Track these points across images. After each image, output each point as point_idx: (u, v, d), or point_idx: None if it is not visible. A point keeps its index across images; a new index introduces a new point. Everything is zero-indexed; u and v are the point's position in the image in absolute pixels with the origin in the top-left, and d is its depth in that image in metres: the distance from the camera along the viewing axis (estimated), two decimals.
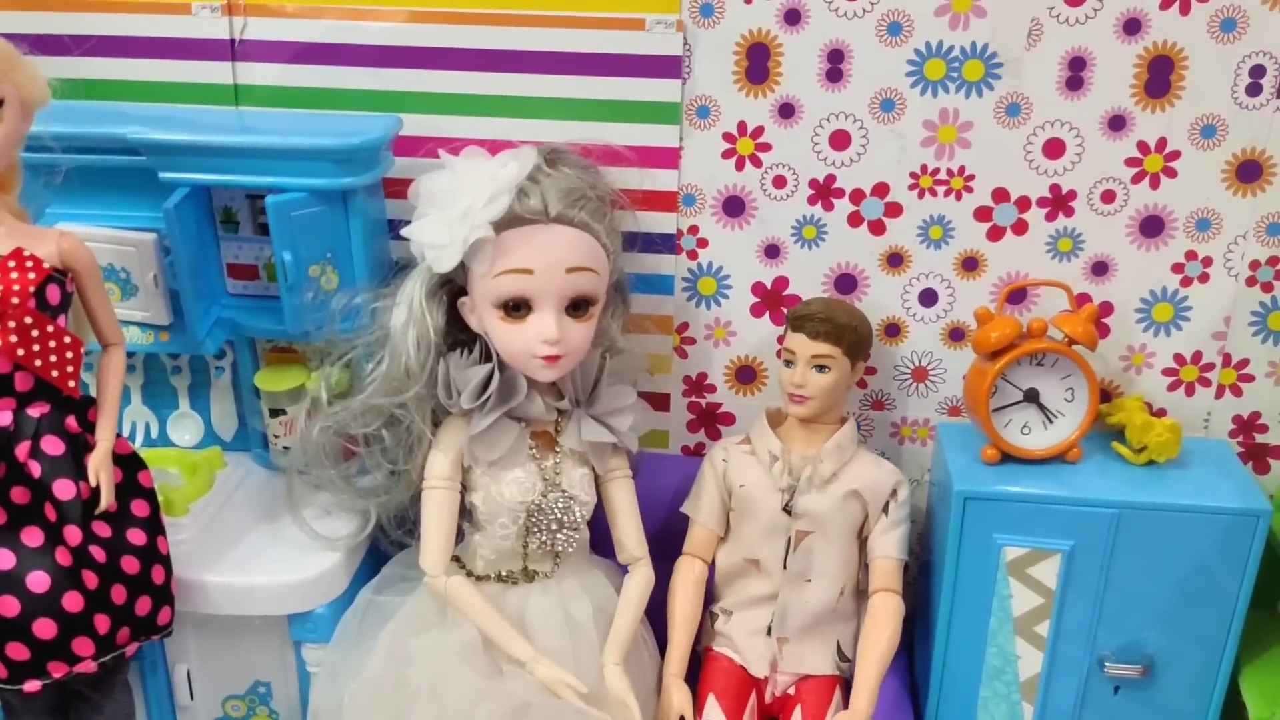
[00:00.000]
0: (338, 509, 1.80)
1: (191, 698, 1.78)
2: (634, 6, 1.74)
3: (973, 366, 1.76)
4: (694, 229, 1.86)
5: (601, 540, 1.76)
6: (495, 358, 1.64)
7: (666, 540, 1.83)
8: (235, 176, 1.71)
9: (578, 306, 1.62)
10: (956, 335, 1.88)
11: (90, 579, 1.50)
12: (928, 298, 1.86)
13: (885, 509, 1.75)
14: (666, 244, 1.87)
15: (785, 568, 1.74)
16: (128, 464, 1.59)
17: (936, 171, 1.79)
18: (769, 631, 1.76)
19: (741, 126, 1.79)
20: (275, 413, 1.87)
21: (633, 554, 1.74)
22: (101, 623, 1.51)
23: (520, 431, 1.66)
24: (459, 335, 1.70)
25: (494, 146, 1.65)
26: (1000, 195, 1.79)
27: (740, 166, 1.82)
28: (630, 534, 1.75)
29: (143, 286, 1.76)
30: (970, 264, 1.84)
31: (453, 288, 1.68)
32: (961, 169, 1.78)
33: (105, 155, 1.71)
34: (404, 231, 1.64)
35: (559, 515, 1.66)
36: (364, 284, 1.77)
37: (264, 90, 1.85)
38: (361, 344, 1.72)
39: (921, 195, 1.80)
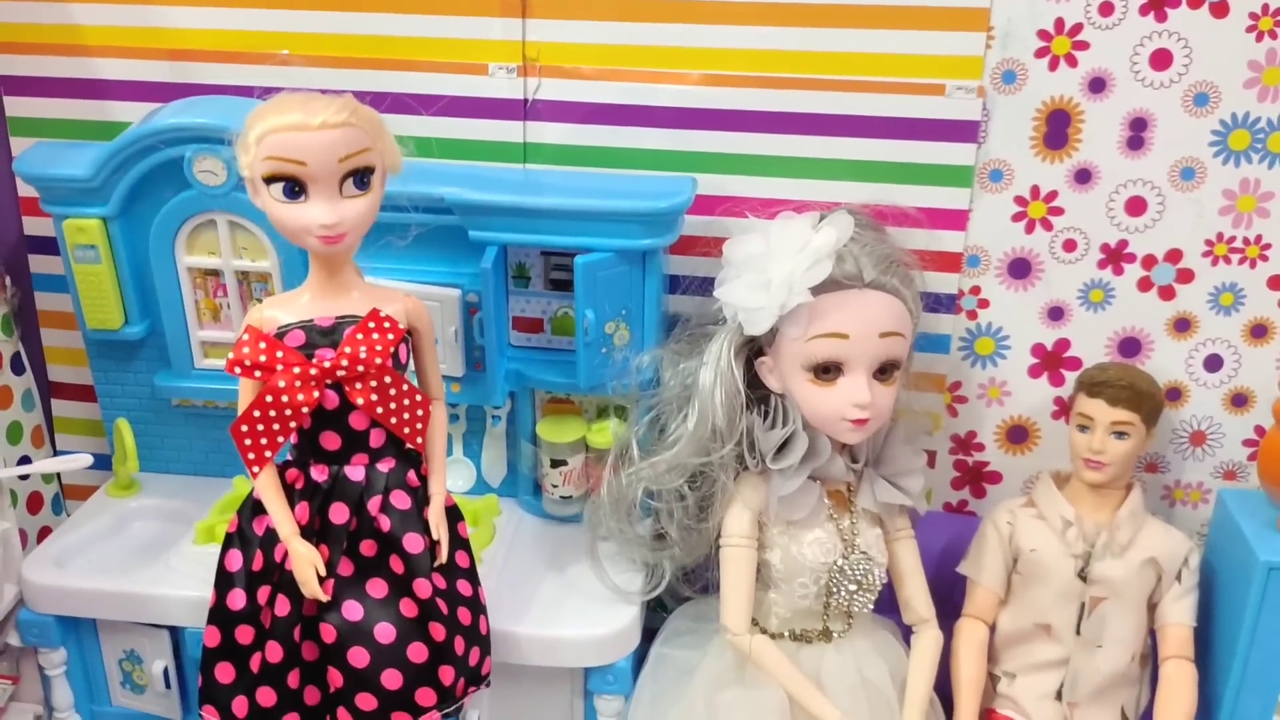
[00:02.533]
0: (622, 560, 1.83)
1: None
2: (936, 73, 1.76)
3: (1271, 435, 1.75)
4: (976, 289, 1.88)
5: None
6: (797, 418, 1.67)
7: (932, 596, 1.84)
8: (542, 236, 1.75)
9: (884, 370, 1.64)
10: (1239, 401, 1.88)
11: (438, 631, 1.54)
12: (1212, 363, 1.87)
13: (1178, 576, 1.75)
14: (946, 304, 1.89)
15: (1079, 633, 1.74)
16: (451, 516, 1.63)
17: (1232, 239, 1.79)
18: (1059, 696, 1.76)
19: (1035, 190, 1.81)
20: (556, 463, 1.91)
21: (920, 615, 1.76)
22: (445, 674, 1.55)
23: (820, 491, 1.69)
24: (749, 394, 1.72)
25: (784, 206, 1.68)
26: None
27: (1030, 229, 1.83)
28: (918, 594, 1.76)
29: (443, 340, 1.80)
30: (1259, 331, 1.84)
31: (751, 347, 1.70)
32: (1258, 238, 1.78)
33: (415, 213, 1.75)
34: (717, 293, 1.67)
35: (858, 577, 1.68)
36: (652, 340, 1.81)
37: (551, 149, 1.89)
38: (663, 400, 1.75)
39: (1215, 262, 1.81)
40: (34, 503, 2.10)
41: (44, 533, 2.02)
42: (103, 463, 1.98)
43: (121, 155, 1.79)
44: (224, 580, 1.57)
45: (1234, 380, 1.87)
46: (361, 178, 1.46)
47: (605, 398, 1.88)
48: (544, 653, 1.72)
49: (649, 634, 1.83)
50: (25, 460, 2.05)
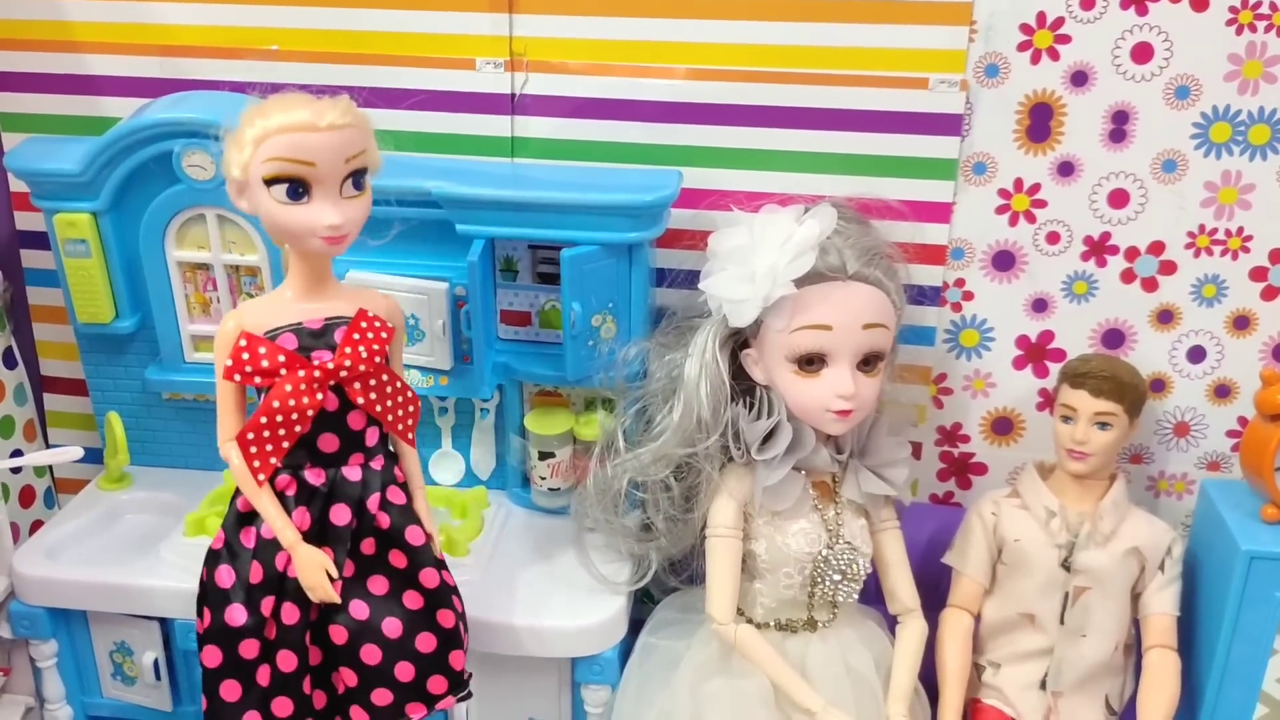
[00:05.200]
0: (609, 552, 1.84)
1: None
2: (919, 66, 1.77)
3: (1253, 426, 1.76)
4: (960, 282, 1.89)
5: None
6: (782, 410, 1.68)
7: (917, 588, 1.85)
8: (529, 229, 1.77)
9: (868, 362, 1.65)
10: (1222, 392, 1.89)
11: (447, 618, 1.55)
12: (1195, 354, 1.88)
13: (1161, 566, 1.76)
14: (930, 296, 1.90)
15: (1062, 623, 1.75)
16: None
17: (1214, 231, 1.80)
18: (1043, 685, 1.77)
19: (1018, 183, 1.82)
20: (544, 455, 1.92)
21: (906, 605, 1.77)
22: (456, 659, 1.56)
23: (804, 482, 1.70)
24: (734, 385, 1.73)
25: (769, 200, 1.69)
26: (1278, 256, 1.80)
27: (1014, 222, 1.84)
28: (903, 585, 1.77)
29: (430, 333, 1.81)
30: (1241, 322, 1.85)
31: (737, 339, 1.71)
32: (1240, 229, 1.80)
33: (402, 207, 1.75)
34: (702, 285, 1.68)
35: (843, 567, 1.69)
36: (639, 333, 1.82)
37: (538, 143, 1.90)
38: (649, 392, 1.76)
39: (1197, 254, 1.82)
40: (26, 496, 2.11)
41: (36, 526, 2.03)
42: (94, 456, 1.99)
43: (111, 150, 1.80)
44: (218, 597, 1.53)
45: (1217, 371, 1.89)
46: (358, 178, 1.46)
47: (593, 390, 1.89)
48: (531, 643, 1.73)
49: (636, 625, 1.84)
50: (18, 454, 2.06)
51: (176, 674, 1.89)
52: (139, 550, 1.86)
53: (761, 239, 1.62)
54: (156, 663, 1.86)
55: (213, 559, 1.55)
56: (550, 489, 1.94)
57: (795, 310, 1.61)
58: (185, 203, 1.84)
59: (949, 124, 1.79)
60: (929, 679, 1.81)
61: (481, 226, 1.76)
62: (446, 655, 1.56)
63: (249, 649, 1.52)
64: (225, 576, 1.53)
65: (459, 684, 1.58)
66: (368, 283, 1.75)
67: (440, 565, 1.59)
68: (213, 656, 1.53)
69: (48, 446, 2.17)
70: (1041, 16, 1.73)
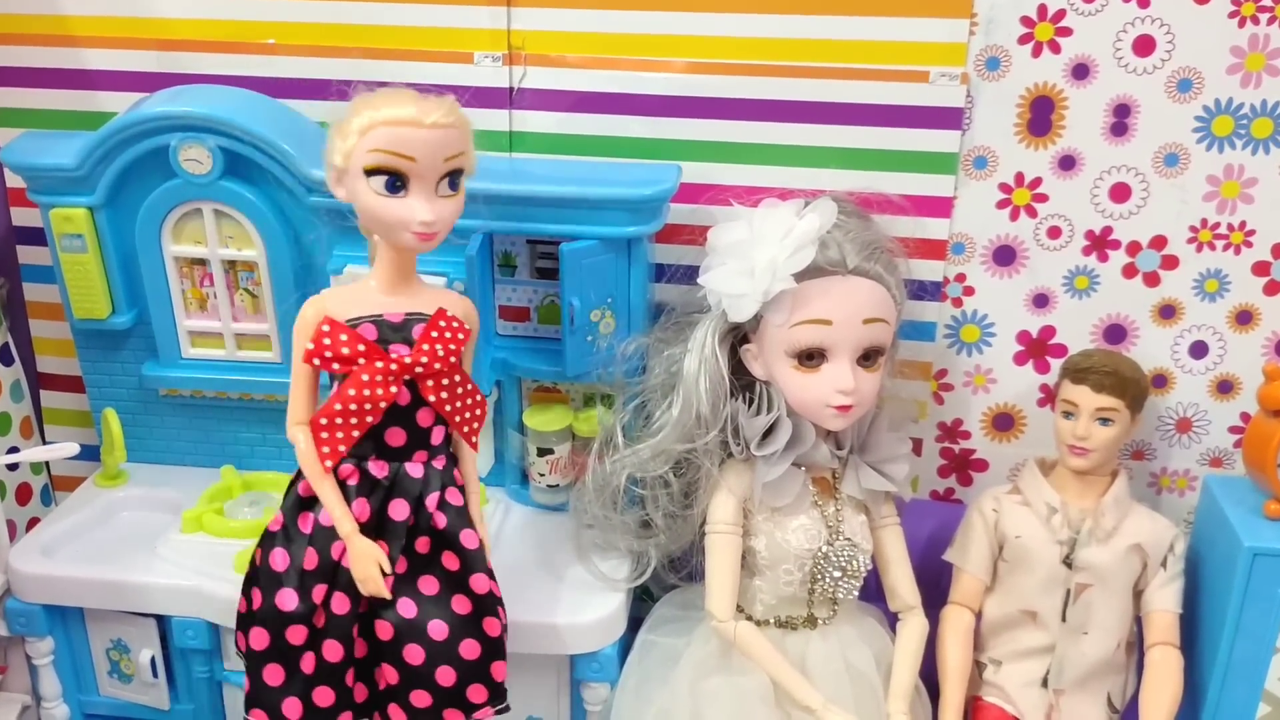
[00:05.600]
0: (608, 549, 1.83)
1: None
2: (920, 60, 1.76)
3: (1256, 422, 1.75)
4: (961, 277, 1.88)
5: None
6: (781, 405, 1.67)
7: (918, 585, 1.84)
8: (528, 224, 1.76)
9: (868, 356, 1.64)
10: (1225, 387, 1.88)
11: (493, 626, 1.54)
12: (1198, 350, 1.87)
13: (1163, 562, 1.75)
14: (931, 291, 1.89)
15: (1064, 620, 1.74)
16: None
17: (1217, 226, 1.79)
18: (1044, 683, 1.76)
19: (1019, 177, 1.81)
20: (543, 452, 1.91)
21: (906, 602, 1.76)
22: (498, 670, 1.55)
23: (804, 478, 1.69)
24: (734, 381, 1.72)
25: (769, 194, 1.67)
26: None
27: (1015, 216, 1.83)
28: (903, 582, 1.77)
29: None
30: (1244, 317, 1.84)
31: (736, 334, 1.70)
32: (1242, 224, 1.79)
33: None
34: (701, 280, 1.67)
35: (843, 563, 1.68)
36: (638, 328, 1.81)
37: (537, 137, 1.89)
38: (648, 388, 1.75)
39: (1200, 249, 1.81)
40: (23, 494, 2.10)
41: (32, 523, 2.01)
42: (91, 453, 1.98)
43: (107, 144, 1.79)
44: (271, 580, 1.52)
45: (1220, 367, 1.88)
46: (454, 179, 1.49)
47: (592, 386, 1.88)
48: (531, 640, 1.72)
49: (635, 622, 1.84)
50: (14, 451, 2.05)
51: (174, 672, 1.88)
52: (136, 547, 1.85)
53: (761, 233, 1.61)
54: (153, 660, 1.85)
55: (268, 541, 1.55)
56: (549, 485, 1.94)
57: (795, 305, 1.60)
58: (182, 197, 1.82)
59: (949, 118, 1.78)
60: (930, 676, 1.80)
61: (479, 221, 1.75)
62: (489, 665, 1.54)
63: (296, 635, 1.51)
64: (280, 560, 1.52)
65: (499, 695, 1.56)
66: (364, 277, 1.74)
67: (491, 574, 1.58)
68: (259, 639, 1.53)
69: (44, 443, 2.16)
70: (1043, 9, 1.72)
